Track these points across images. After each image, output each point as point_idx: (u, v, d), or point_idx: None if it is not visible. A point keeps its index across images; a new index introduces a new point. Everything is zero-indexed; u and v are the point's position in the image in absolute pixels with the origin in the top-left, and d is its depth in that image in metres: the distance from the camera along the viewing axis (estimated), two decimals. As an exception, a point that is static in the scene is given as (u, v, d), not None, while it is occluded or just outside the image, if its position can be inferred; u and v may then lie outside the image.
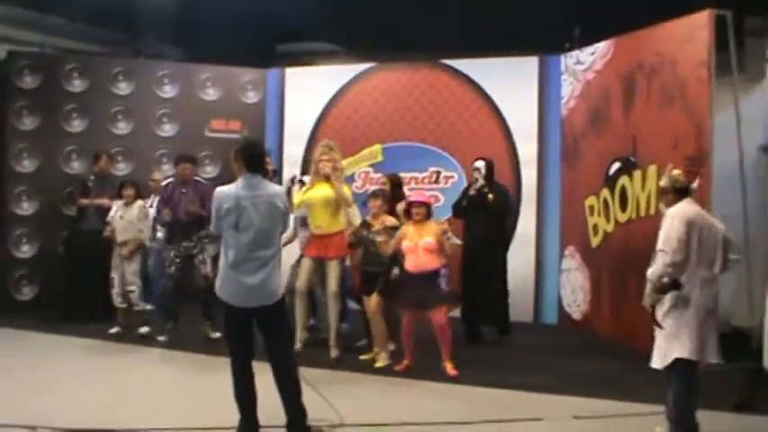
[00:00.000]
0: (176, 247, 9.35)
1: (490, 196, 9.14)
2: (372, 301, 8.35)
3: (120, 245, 9.58)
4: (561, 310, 10.81)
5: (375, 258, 8.36)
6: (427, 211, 8.10)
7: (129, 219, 9.62)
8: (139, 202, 9.78)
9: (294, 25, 12.25)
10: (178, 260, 9.33)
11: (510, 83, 11.06)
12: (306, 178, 9.19)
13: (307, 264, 8.81)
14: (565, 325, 10.67)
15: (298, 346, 8.55)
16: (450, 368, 7.98)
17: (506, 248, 9.88)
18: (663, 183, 6.04)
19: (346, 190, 8.79)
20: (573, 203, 10.59)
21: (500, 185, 9.53)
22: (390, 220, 8.45)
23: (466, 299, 9.36)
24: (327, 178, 8.62)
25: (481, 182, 9.24)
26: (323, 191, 8.64)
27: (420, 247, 7.93)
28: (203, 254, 9.32)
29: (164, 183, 9.89)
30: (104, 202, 10.26)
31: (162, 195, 9.56)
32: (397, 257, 8.22)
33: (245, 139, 6.17)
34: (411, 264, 7.99)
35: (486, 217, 9.20)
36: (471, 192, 9.32)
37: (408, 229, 8.09)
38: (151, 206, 10.19)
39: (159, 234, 10.28)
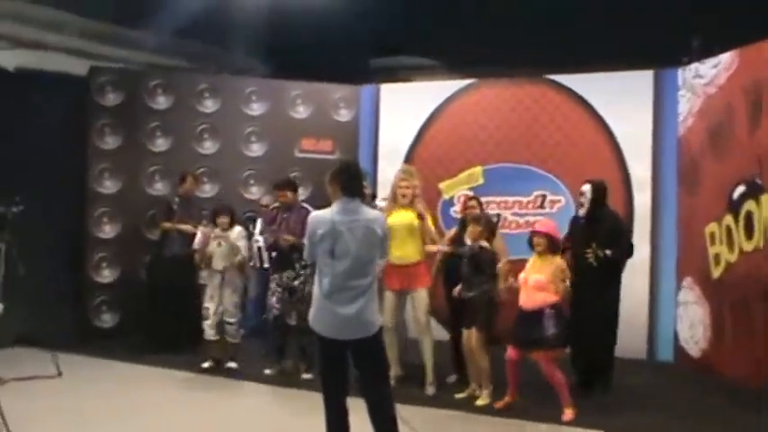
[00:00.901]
0: (279, 276, 9.16)
1: (607, 252, 8.24)
2: (474, 334, 8.03)
3: (221, 272, 9.45)
4: (677, 346, 10.24)
5: (474, 282, 8.06)
6: (549, 243, 7.72)
7: (230, 244, 9.44)
8: (238, 228, 9.62)
9: (389, 39, 12.14)
10: (279, 290, 9.13)
11: (622, 99, 10.65)
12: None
13: (390, 298, 8.61)
14: (681, 363, 10.13)
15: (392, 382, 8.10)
16: (568, 414, 7.64)
17: (617, 288, 8.90)
18: None
19: (429, 219, 8.70)
20: (691, 231, 10.07)
21: (611, 213, 8.83)
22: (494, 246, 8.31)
23: (576, 341, 8.46)
24: (409, 205, 8.56)
25: (592, 255, 8.28)
26: (404, 217, 8.50)
27: (529, 283, 7.68)
28: (306, 287, 8.90)
29: (272, 207, 9.73)
30: (188, 228, 10.19)
31: (265, 220, 9.56)
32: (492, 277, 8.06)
33: (342, 162, 6.13)
34: (521, 299, 7.75)
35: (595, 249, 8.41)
36: (590, 258, 8.27)
37: (530, 260, 7.87)
38: (262, 233, 9.96)
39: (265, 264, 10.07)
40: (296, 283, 9.06)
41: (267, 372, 9.27)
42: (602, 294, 8.37)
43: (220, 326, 9.51)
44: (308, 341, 8.56)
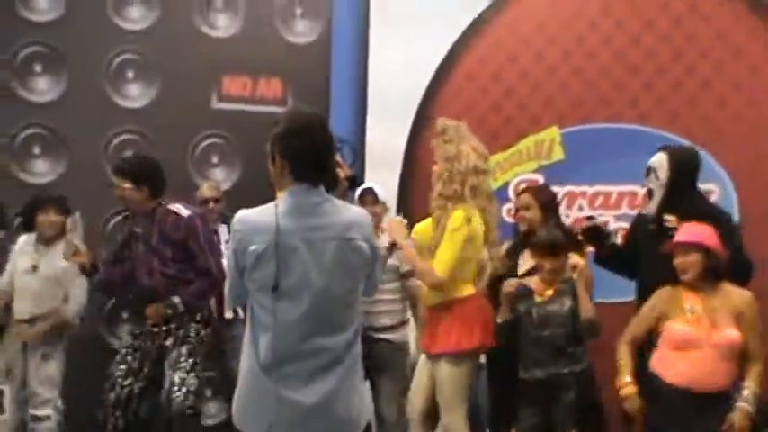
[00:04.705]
0: (134, 335, 7.42)
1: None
2: None
3: (25, 322, 7.74)
4: None
5: (550, 354, 6.67)
6: (707, 260, 6.17)
7: (52, 273, 7.68)
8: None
9: None
10: (133, 359, 7.35)
11: None
12: None
13: (421, 366, 7.11)
14: None
15: None
16: None
17: None
18: None
19: (456, 218, 6.72)
20: None
21: (706, 207, 7.11)
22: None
23: None
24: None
25: (671, 218, 6.91)
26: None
27: (714, 343, 6.07)
28: (180, 348, 7.31)
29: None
30: None
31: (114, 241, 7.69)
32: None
33: (292, 116, 4.73)
34: (681, 371, 6.18)
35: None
36: (650, 225, 7.03)
37: (676, 296, 6.34)
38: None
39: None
40: (168, 343, 7.45)
41: None
42: None
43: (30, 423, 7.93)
44: None
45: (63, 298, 7.85)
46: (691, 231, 6.37)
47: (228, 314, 8.45)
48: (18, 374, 7.83)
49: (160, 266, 7.30)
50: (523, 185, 8.38)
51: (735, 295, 6.21)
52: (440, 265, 6.53)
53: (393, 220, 7.02)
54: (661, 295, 6.36)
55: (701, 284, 6.20)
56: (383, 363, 7.29)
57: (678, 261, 6.23)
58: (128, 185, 7.31)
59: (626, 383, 6.27)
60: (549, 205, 7.19)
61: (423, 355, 7.09)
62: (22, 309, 7.76)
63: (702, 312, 6.23)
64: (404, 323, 7.49)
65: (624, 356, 6.36)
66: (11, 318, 7.87)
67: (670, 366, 6.21)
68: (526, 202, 7.16)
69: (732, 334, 6.09)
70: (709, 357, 6.15)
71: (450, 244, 6.58)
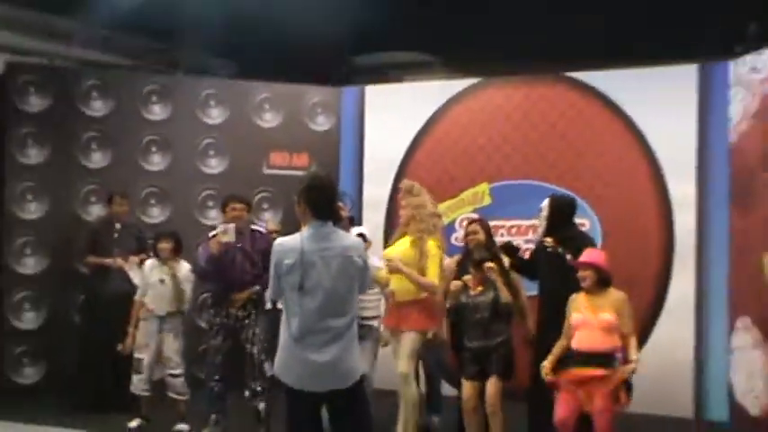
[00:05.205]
0: (222, 313, 8.67)
1: (568, 257, 7.90)
2: (493, 386, 7.67)
3: (161, 319, 8.87)
4: (733, 402, 9.43)
5: (481, 331, 7.83)
6: (598, 275, 7.35)
7: (174, 284, 8.89)
8: (186, 265, 9.01)
9: (377, 31, 11.48)
10: (221, 330, 8.67)
11: (659, 101, 9.98)
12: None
13: (391, 341, 8.38)
14: (738, 423, 9.32)
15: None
16: None
17: None
18: None
19: (431, 247, 8.00)
20: (747, 260, 9.25)
21: (579, 238, 8.25)
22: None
23: (533, 401, 8.10)
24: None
25: (548, 240, 8.17)
26: (401, 247, 8.13)
27: (597, 323, 7.26)
28: (255, 327, 8.69)
29: (212, 235, 8.67)
30: (112, 261, 9.72)
31: (208, 255, 8.60)
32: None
33: (312, 177, 5.81)
34: (581, 341, 7.35)
35: (564, 278, 7.78)
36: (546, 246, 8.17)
37: (579, 299, 7.46)
38: None
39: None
40: (247, 322, 8.75)
41: None
42: None
43: (158, 382, 8.98)
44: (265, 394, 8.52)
45: (180, 299, 8.93)
46: (588, 255, 7.51)
47: (280, 305, 8.65)
48: (153, 347, 8.79)
49: (250, 268, 8.59)
50: (470, 219, 9.47)
51: (615, 295, 7.34)
52: (433, 278, 7.87)
53: (391, 256, 8.00)
54: (571, 300, 7.46)
55: (594, 290, 7.34)
56: (364, 339, 7.81)
57: (579, 274, 7.38)
58: (245, 210, 8.83)
59: (544, 367, 7.27)
60: (488, 231, 8.41)
61: (388, 334, 8.28)
62: (160, 307, 8.81)
63: (591, 306, 7.34)
64: (378, 316, 8.51)
65: (556, 347, 7.37)
66: (144, 313, 8.84)
67: (575, 339, 7.31)
68: (475, 229, 8.33)
69: (608, 317, 7.23)
70: (595, 332, 7.27)
71: (433, 265, 7.90)
